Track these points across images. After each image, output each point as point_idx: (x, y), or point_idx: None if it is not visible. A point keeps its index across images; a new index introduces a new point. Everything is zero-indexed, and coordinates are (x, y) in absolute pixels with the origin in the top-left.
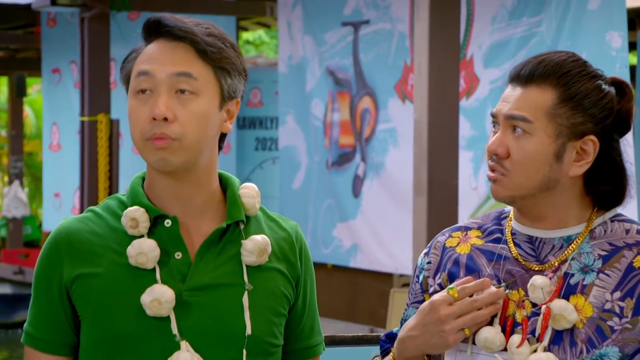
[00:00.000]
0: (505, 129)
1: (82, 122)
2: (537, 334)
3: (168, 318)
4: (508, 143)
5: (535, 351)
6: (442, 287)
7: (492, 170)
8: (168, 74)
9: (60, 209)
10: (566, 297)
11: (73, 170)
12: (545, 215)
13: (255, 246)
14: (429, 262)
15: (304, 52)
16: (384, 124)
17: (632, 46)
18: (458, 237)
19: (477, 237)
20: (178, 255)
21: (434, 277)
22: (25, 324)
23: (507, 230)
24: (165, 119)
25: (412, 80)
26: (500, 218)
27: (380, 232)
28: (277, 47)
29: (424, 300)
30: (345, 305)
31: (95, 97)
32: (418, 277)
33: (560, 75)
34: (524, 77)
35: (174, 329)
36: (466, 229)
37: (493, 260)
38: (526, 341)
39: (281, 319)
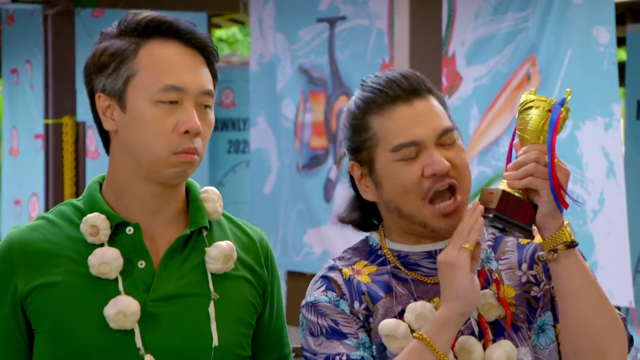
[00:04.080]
0: (437, 147)
1: (47, 125)
2: (476, 334)
3: (132, 331)
4: (445, 157)
5: (485, 348)
6: (369, 310)
7: (446, 193)
8: (199, 91)
9: (20, 217)
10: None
11: (30, 175)
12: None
13: (220, 253)
14: (343, 294)
15: (275, 50)
16: None
17: (621, 42)
18: (349, 270)
19: (366, 265)
20: (141, 264)
21: (352, 306)
22: None
23: (389, 257)
24: (197, 133)
25: None
26: (374, 251)
27: (352, 237)
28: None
29: (366, 322)
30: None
31: (60, 99)
32: (339, 307)
33: (428, 84)
34: (417, 88)
35: (138, 343)
36: (349, 264)
37: (400, 282)
38: (474, 338)
39: (249, 329)
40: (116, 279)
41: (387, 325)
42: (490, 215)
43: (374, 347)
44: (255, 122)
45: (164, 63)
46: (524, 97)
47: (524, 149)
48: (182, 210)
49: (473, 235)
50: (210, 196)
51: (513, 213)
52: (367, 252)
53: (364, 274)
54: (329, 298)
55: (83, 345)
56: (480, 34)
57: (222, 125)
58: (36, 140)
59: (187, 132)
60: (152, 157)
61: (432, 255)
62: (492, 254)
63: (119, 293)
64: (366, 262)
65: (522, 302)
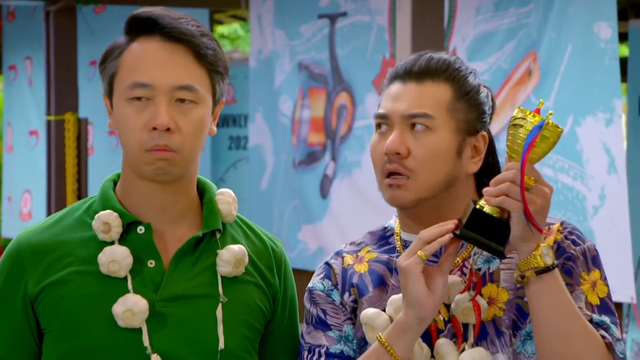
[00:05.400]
0: (402, 128)
1: (49, 122)
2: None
3: (140, 330)
4: (407, 142)
5: (463, 351)
6: (355, 302)
7: (392, 173)
8: (170, 86)
9: (10, 214)
10: (479, 290)
11: (22, 172)
12: (440, 215)
13: (232, 256)
14: (336, 284)
15: (273, 46)
16: (361, 121)
17: (624, 37)
18: (351, 258)
19: (369, 252)
20: (151, 263)
21: (342, 296)
22: None
23: (397, 245)
24: (168, 129)
25: None
26: (386, 237)
27: (349, 234)
28: None
29: (353, 314)
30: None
31: (62, 95)
32: (330, 297)
33: (453, 71)
34: (416, 72)
35: (146, 342)
36: (355, 251)
37: (395, 273)
38: (452, 343)
39: (256, 334)
40: (125, 278)
41: (366, 314)
42: (457, 232)
43: (355, 341)
44: (253, 119)
45: (136, 60)
46: (515, 111)
47: (506, 165)
48: (195, 210)
49: (433, 246)
50: (226, 198)
51: (483, 231)
52: (378, 237)
53: (364, 261)
54: (324, 286)
55: (91, 345)
56: (481, 30)
57: (222, 121)
58: (30, 137)
59: (155, 128)
60: (131, 155)
61: None
62: None
63: (127, 292)
64: (370, 248)
65: (512, 307)
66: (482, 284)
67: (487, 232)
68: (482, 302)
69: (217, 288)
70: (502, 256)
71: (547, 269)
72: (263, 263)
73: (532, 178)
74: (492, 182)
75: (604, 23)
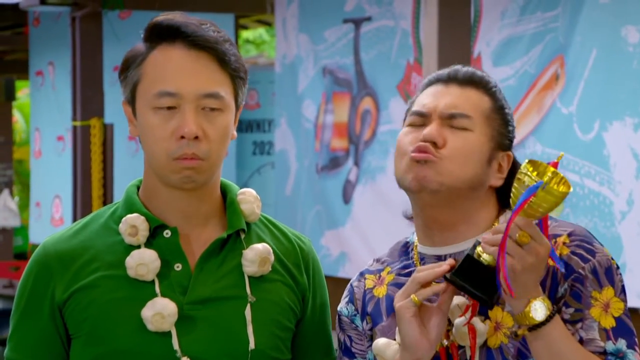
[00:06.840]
0: (441, 123)
1: (74, 127)
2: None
3: (169, 333)
4: (445, 134)
5: None
6: (371, 330)
7: (421, 150)
8: (197, 95)
9: (39, 219)
10: (485, 312)
11: (52, 177)
12: (454, 223)
13: (256, 255)
14: (357, 310)
15: (297, 51)
16: (385, 126)
17: None
18: (373, 280)
19: (389, 273)
20: (178, 266)
21: (362, 322)
22: (7, 352)
23: (415, 260)
24: (195, 137)
25: (414, 79)
26: (407, 252)
27: (372, 240)
28: None
29: (372, 342)
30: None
31: (88, 101)
32: (353, 322)
33: (493, 86)
34: (460, 78)
35: (175, 345)
36: (378, 271)
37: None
38: None
39: (287, 332)
40: (153, 282)
41: (377, 345)
42: (447, 276)
43: None
44: (279, 123)
45: (161, 68)
46: (524, 163)
47: (507, 217)
48: (219, 212)
49: (426, 292)
50: (247, 198)
51: (472, 278)
52: (399, 251)
53: (384, 283)
54: (348, 311)
55: (120, 349)
56: (506, 35)
57: (246, 126)
58: (58, 142)
59: (183, 137)
60: (157, 163)
61: (440, 260)
62: None
63: (155, 295)
64: (390, 269)
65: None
66: (481, 306)
67: (476, 280)
68: (480, 325)
69: (245, 288)
70: (489, 305)
71: (541, 325)
72: (290, 261)
73: (527, 234)
74: (491, 231)
75: (632, 27)
